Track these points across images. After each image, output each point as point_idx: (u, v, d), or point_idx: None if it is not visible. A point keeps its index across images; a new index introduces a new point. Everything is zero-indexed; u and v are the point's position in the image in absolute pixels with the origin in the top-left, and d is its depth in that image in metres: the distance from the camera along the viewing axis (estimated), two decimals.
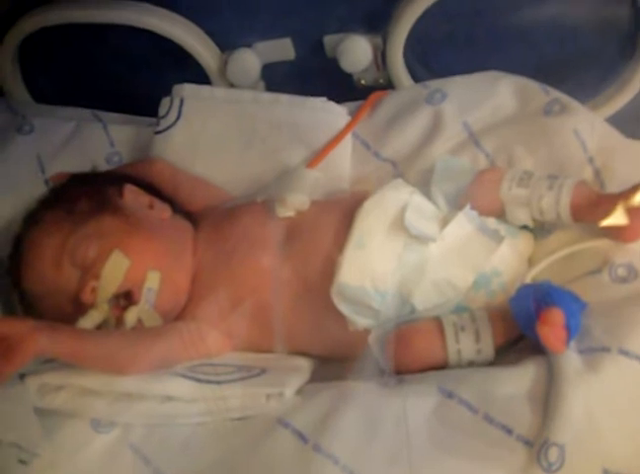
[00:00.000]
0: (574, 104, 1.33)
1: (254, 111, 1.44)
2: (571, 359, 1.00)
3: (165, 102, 1.45)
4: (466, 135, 1.35)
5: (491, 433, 0.98)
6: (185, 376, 1.10)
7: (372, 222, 1.19)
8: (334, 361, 1.19)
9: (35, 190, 1.38)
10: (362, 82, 1.59)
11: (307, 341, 1.21)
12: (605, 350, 1.01)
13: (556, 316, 0.99)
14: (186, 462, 1.05)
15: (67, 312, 1.19)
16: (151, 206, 1.30)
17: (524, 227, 1.23)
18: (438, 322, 1.11)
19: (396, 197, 1.22)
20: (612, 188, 1.21)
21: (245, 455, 1.03)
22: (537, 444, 0.95)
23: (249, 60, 1.55)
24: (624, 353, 1.00)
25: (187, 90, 1.45)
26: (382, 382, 1.09)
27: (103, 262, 1.18)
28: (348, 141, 1.40)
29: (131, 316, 1.17)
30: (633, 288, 1.11)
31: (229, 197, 1.38)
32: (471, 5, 1.51)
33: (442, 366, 1.10)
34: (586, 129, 1.28)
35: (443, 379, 1.05)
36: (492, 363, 1.09)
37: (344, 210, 1.23)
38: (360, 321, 1.15)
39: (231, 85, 1.57)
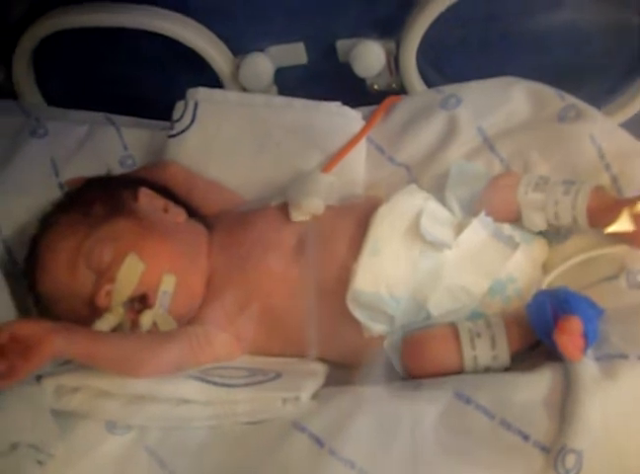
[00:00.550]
0: (590, 110, 1.33)
1: (268, 115, 1.44)
2: (588, 366, 1.00)
3: (179, 105, 1.45)
4: (481, 140, 1.35)
5: (508, 438, 0.98)
6: (200, 379, 1.11)
7: (387, 229, 1.19)
8: (348, 367, 1.18)
9: (49, 193, 1.38)
10: (375, 87, 1.59)
11: (320, 346, 1.21)
12: (623, 356, 1.01)
13: (574, 324, 0.99)
14: (201, 466, 1.05)
15: (82, 315, 1.19)
16: (166, 210, 1.30)
17: (539, 233, 1.23)
18: (453, 328, 1.11)
19: (410, 204, 1.22)
20: (630, 194, 1.21)
21: (261, 459, 1.03)
22: (554, 451, 0.95)
23: (262, 64, 1.56)
24: None
25: (201, 93, 1.46)
26: (398, 387, 1.10)
27: (118, 265, 1.19)
28: (362, 146, 1.40)
29: (146, 319, 1.18)
30: None
31: (243, 201, 1.39)
32: (484, 10, 1.51)
33: (458, 372, 1.10)
34: (602, 136, 1.28)
35: (460, 385, 1.05)
36: (508, 369, 1.09)
37: (358, 216, 1.23)
38: (376, 327, 1.15)
39: (244, 89, 1.58)
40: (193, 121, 1.43)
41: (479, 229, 1.19)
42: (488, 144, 1.35)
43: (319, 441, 1.02)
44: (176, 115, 1.44)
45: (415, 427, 1.01)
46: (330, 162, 1.36)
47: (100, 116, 1.56)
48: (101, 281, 1.19)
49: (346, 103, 1.47)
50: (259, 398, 1.09)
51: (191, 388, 1.09)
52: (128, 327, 1.18)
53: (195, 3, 1.52)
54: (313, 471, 1.00)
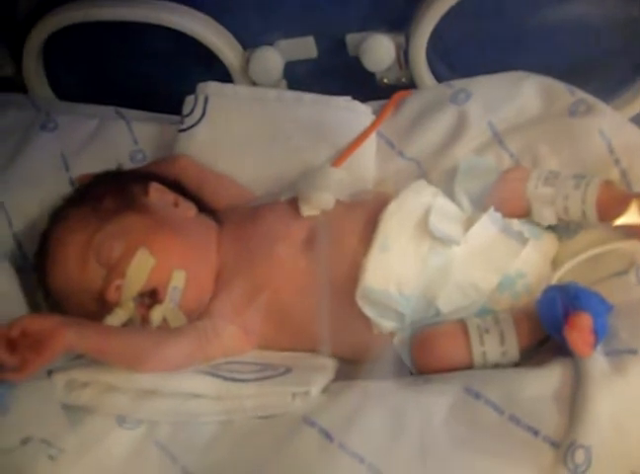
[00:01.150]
0: (599, 104, 1.33)
1: (278, 109, 1.45)
2: (597, 362, 1.00)
3: (189, 100, 1.45)
4: (491, 135, 1.36)
5: (517, 434, 0.98)
6: (209, 374, 1.11)
7: (396, 225, 1.19)
8: (357, 362, 1.19)
9: (59, 187, 1.39)
10: (385, 81, 1.59)
11: (329, 341, 1.21)
12: (632, 352, 1.01)
13: (585, 321, 1.00)
14: (212, 460, 1.05)
15: (92, 310, 1.20)
16: (176, 205, 1.31)
17: (549, 228, 1.23)
18: (462, 325, 1.12)
19: (419, 200, 1.22)
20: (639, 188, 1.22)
21: (271, 454, 1.04)
22: (564, 446, 0.95)
23: (271, 58, 1.56)
24: None
25: (211, 88, 1.46)
26: (408, 382, 1.10)
27: (128, 260, 1.19)
28: (372, 140, 1.41)
29: (157, 315, 1.18)
30: None
31: (253, 196, 1.39)
32: (494, 4, 1.51)
33: (468, 368, 1.10)
34: (611, 130, 1.28)
35: (469, 380, 1.06)
36: (517, 365, 1.09)
37: (368, 211, 1.23)
38: (385, 324, 1.16)
39: (253, 83, 1.58)
40: (203, 116, 1.43)
41: (488, 225, 1.19)
42: (498, 139, 1.35)
43: (329, 436, 1.02)
44: (186, 109, 1.45)
45: (424, 421, 1.02)
46: (340, 156, 1.37)
47: (110, 110, 1.56)
48: (111, 276, 1.19)
49: (356, 96, 1.47)
50: (269, 393, 1.09)
51: (200, 383, 1.10)
52: (139, 322, 1.18)
53: None
54: (323, 465, 1.00)
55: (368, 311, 1.15)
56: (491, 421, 1.00)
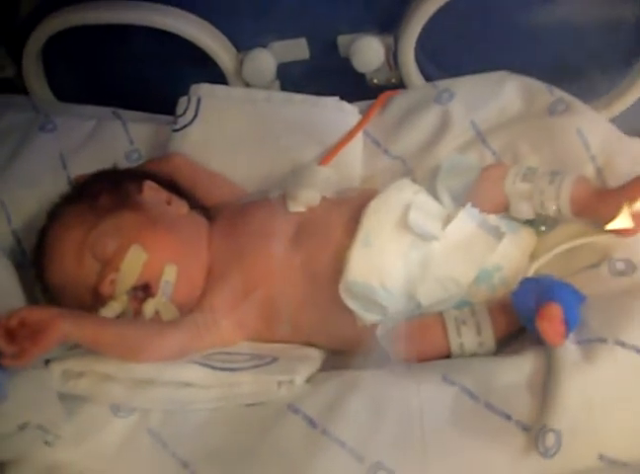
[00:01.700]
0: (578, 104, 1.35)
1: (268, 110, 1.47)
2: (568, 350, 1.03)
3: (182, 101, 1.47)
4: (473, 134, 1.38)
5: (492, 419, 1.02)
6: (200, 364, 1.14)
7: (378, 221, 1.21)
8: (343, 354, 1.22)
9: (57, 186, 1.41)
10: (375, 81, 1.60)
11: (315, 333, 1.24)
12: (602, 340, 1.03)
13: (555, 311, 1.02)
14: (200, 446, 1.09)
15: (87, 303, 1.22)
16: (169, 202, 1.33)
17: (527, 222, 1.26)
18: (440, 317, 1.14)
19: (401, 197, 1.24)
20: (613, 185, 1.24)
21: (257, 439, 1.07)
22: (535, 430, 0.98)
23: (265, 60, 1.57)
24: (620, 343, 1.02)
25: (204, 89, 1.48)
26: (390, 371, 1.12)
27: (122, 256, 1.22)
28: (359, 139, 1.43)
29: (149, 308, 1.21)
30: (631, 282, 1.14)
31: (244, 193, 1.41)
32: (482, 5, 1.53)
33: (447, 358, 1.13)
34: (588, 129, 1.31)
35: (447, 368, 1.09)
36: (495, 354, 1.12)
37: (353, 208, 1.25)
38: (368, 317, 1.17)
39: (247, 84, 1.59)
40: (195, 117, 1.46)
41: (466, 220, 1.21)
42: (480, 138, 1.38)
43: (312, 423, 1.06)
44: (179, 110, 1.47)
45: (403, 407, 1.05)
46: (327, 155, 1.39)
47: (107, 110, 1.58)
48: (105, 271, 1.22)
49: (347, 97, 1.49)
50: (255, 381, 1.12)
51: (192, 372, 1.13)
52: (132, 315, 1.21)
53: (199, 0, 1.55)
54: (306, 450, 1.04)
55: (352, 304, 1.17)
56: (467, 408, 1.04)
